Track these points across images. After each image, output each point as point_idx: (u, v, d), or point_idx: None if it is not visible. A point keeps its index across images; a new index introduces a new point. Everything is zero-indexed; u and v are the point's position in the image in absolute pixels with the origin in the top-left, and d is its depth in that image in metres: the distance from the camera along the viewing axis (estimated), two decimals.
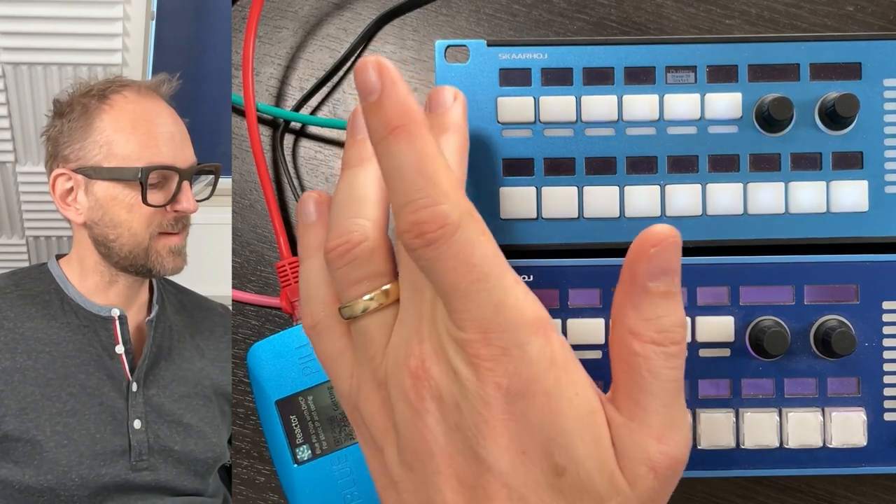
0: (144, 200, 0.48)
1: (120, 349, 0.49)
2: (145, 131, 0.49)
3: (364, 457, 0.32)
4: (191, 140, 0.51)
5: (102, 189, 0.48)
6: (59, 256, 0.53)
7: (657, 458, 0.28)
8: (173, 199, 0.48)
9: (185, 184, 0.49)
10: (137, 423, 0.48)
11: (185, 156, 0.49)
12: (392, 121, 0.28)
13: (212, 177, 0.52)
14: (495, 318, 0.27)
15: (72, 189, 0.49)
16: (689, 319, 0.38)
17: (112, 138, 0.48)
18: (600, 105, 0.39)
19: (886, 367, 0.38)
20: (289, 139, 0.47)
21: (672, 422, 0.28)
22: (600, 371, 0.38)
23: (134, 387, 0.49)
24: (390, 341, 0.30)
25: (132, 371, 0.49)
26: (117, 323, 0.50)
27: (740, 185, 0.39)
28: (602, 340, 0.39)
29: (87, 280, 0.51)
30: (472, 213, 0.28)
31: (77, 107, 0.49)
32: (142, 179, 0.47)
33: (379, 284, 0.31)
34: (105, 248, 0.49)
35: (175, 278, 0.57)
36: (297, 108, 0.47)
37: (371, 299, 0.31)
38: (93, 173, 0.48)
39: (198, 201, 0.50)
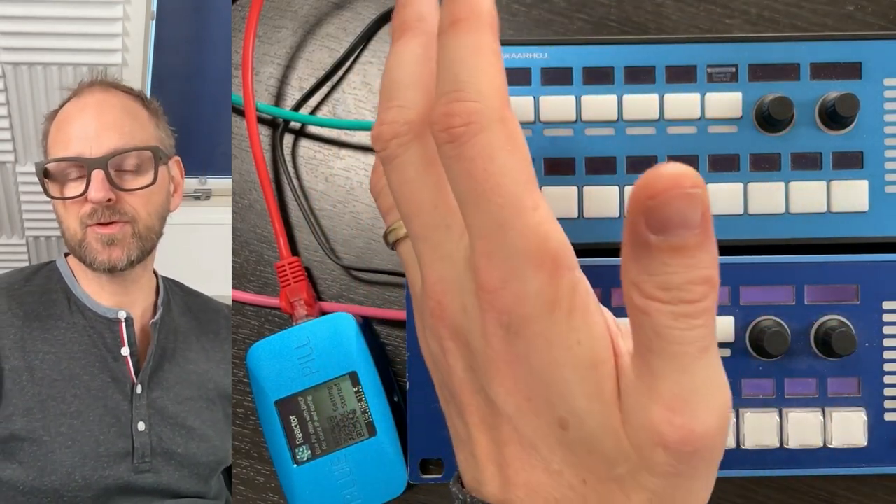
0: (45, 192, 0.48)
1: (125, 351, 0.49)
2: (62, 129, 0.50)
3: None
4: (188, 139, 0.51)
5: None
6: (67, 254, 0.53)
7: (665, 430, 0.24)
8: (86, 189, 0.48)
9: (96, 173, 0.48)
10: (141, 426, 0.48)
11: (100, 146, 0.49)
12: (456, 12, 0.26)
13: (206, 177, 0.52)
14: (500, 239, 0.24)
15: None
16: None
17: (50, 140, 0.50)
18: (600, 105, 0.39)
19: (887, 367, 0.38)
20: (288, 139, 0.47)
21: (691, 391, 0.24)
22: None
23: (138, 389, 0.49)
24: (422, 268, 0.28)
25: (137, 373, 0.49)
26: (123, 325, 0.50)
27: (740, 185, 0.39)
28: None
29: (84, 279, 0.51)
30: (506, 120, 0.25)
31: (54, 114, 0.51)
32: (38, 174, 0.48)
33: None
34: (66, 245, 0.50)
35: (175, 278, 0.57)
36: (297, 107, 0.47)
37: (397, 227, 0.30)
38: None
39: (197, 199, 0.50)
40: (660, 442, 0.24)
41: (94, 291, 0.51)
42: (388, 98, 0.28)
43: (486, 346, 0.26)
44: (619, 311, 0.38)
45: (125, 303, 0.51)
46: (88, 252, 0.49)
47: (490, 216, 0.25)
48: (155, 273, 0.54)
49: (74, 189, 0.48)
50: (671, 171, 0.21)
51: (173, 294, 0.55)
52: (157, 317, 0.52)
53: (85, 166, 0.48)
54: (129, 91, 0.52)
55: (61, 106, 0.51)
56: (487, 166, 0.25)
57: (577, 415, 0.25)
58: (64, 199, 0.48)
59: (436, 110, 0.26)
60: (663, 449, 0.24)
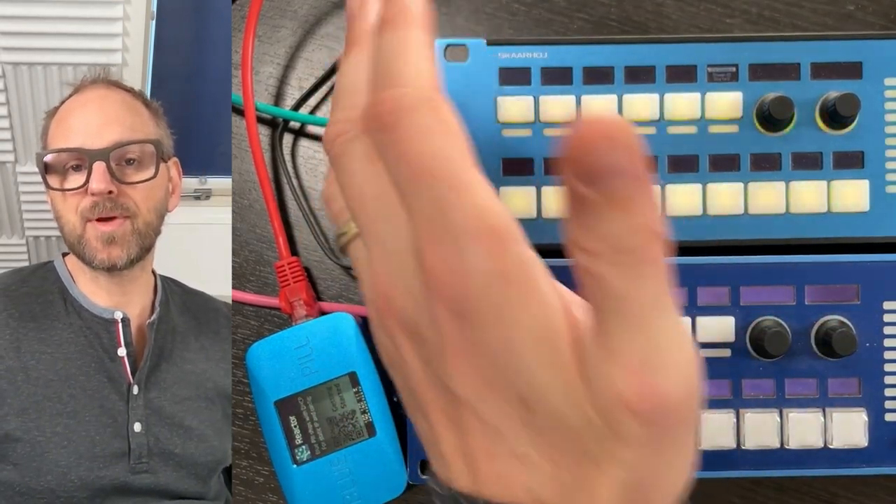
0: (45, 183, 0.48)
1: (122, 352, 0.49)
2: (63, 122, 0.50)
3: None
4: (187, 139, 0.51)
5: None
6: (65, 255, 0.53)
7: (629, 393, 0.22)
8: (87, 181, 0.48)
9: (97, 164, 0.47)
10: (137, 426, 0.48)
11: (101, 138, 0.48)
12: (386, 14, 0.27)
13: (206, 177, 0.52)
14: (441, 219, 0.24)
15: None
16: (689, 320, 0.38)
17: (49, 135, 0.50)
18: (600, 104, 0.39)
19: (887, 367, 0.38)
20: (288, 138, 0.47)
21: (651, 350, 0.22)
22: None
23: (135, 389, 0.49)
24: (371, 264, 0.27)
25: (133, 373, 0.49)
26: (120, 325, 0.49)
27: (740, 185, 0.39)
28: None
29: (80, 278, 0.51)
30: (434, 102, 0.25)
31: (54, 111, 0.51)
32: (38, 165, 0.48)
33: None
34: (65, 242, 0.50)
35: (177, 278, 0.57)
36: (297, 107, 0.47)
37: (346, 231, 0.29)
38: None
39: (197, 199, 0.50)
40: (626, 407, 0.22)
41: (92, 291, 0.51)
42: (335, 105, 0.29)
43: (438, 333, 0.24)
44: None
45: (122, 302, 0.51)
46: (88, 249, 0.49)
47: (428, 197, 0.24)
48: (153, 272, 0.54)
49: (75, 181, 0.48)
50: (594, 117, 0.21)
51: (172, 293, 0.55)
52: (153, 317, 0.51)
53: (86, 158, 0.47)
54: (129, 90, 0.52)
55: (61, 103, 0.51)
56: (420, 147, 0.24)
57: (539, 391, 0.24)
58: (64, 190, 0.48)
59: (368, 104, 0.26)
60: (631, 414, 0.22)
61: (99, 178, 0.47)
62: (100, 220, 0.48)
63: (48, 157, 0.48)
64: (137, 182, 0.49)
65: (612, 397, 0.23)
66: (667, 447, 0.24)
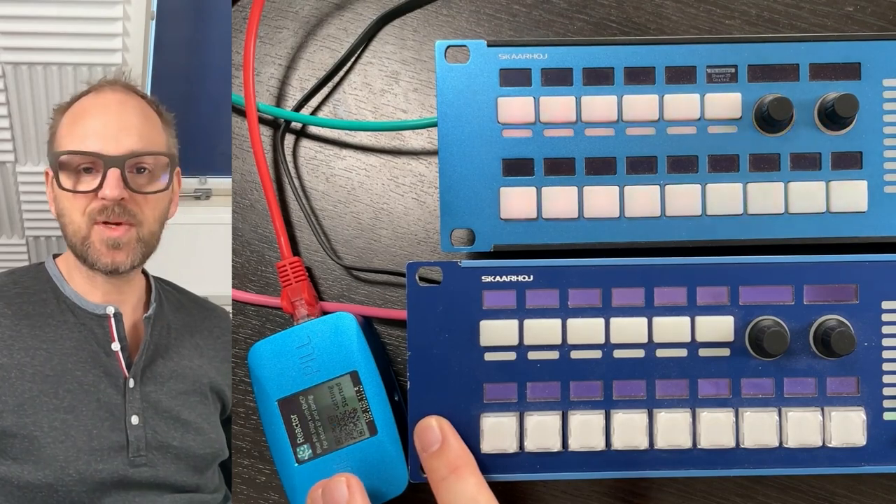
0: (57, 182, 0.48)
1: (116, 346, 0.50)
2: (81, 122, 0.49)
3: None
4: (187, 139, 0.51)
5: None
6: (56, 256, 0.53)
7: None
8: (99, 185, 0.48)
9: (112, 171, 0.48)
10: (135, 419, 0.48)
11: (119, 145, 0.49)
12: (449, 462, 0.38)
13: (206, 177, 0.52)
14: None
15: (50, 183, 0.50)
16: (688, 319, 0.39)
17: (62, 131, 0.50)
18: (600, 105, 0.39)
19: (886, 366, 0.39)
20: (289, 139, 0.47)
21: None
22: (600, 371, 0.38)
23: (131, 383, 0.49)
24: None
25: (128, 367, 0.49)
26: (112, 320, 0.50)
27: (740, 185, 0.39)
28: (602, 340, 0.39)
29: (75, 278, 0.51)
30: None
31: (66, 106, 0.51)
32: (52, 163, 0.48)
33: None
34: (66, 240, 0.50)
35: (175, 277, 0.57)
36: (298, 108, 0.47)
37: None
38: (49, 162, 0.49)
39: (197, 199, 0.50)
40: None
41: (86, 290, 0.51)
42: None
43: None
44: (620, 311, 0.39)
45: (117, 300, 0.51)
46: (91, 252, 0.49)
47: None
48: (144, 272, 0.55)
49: (87, 184, 0.48)
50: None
51: (165, 292, 0.55)
52: (150, 311, 0.52)
53: (101, 163, 0.48)
54: (144, 96, 0.52)
55: (75, 99, 0.51)
56: None
57: None
58: (76, 192, 0.48)
59: None
60: None
61: (113, 184, 0.48)
62: (106, 224, 0.48)
63: (63, 157, 0.48)
64: (150, 192, 0.49)
65: None
66: None
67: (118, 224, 0.49)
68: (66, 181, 0.48)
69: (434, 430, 0.38)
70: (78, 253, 0.50)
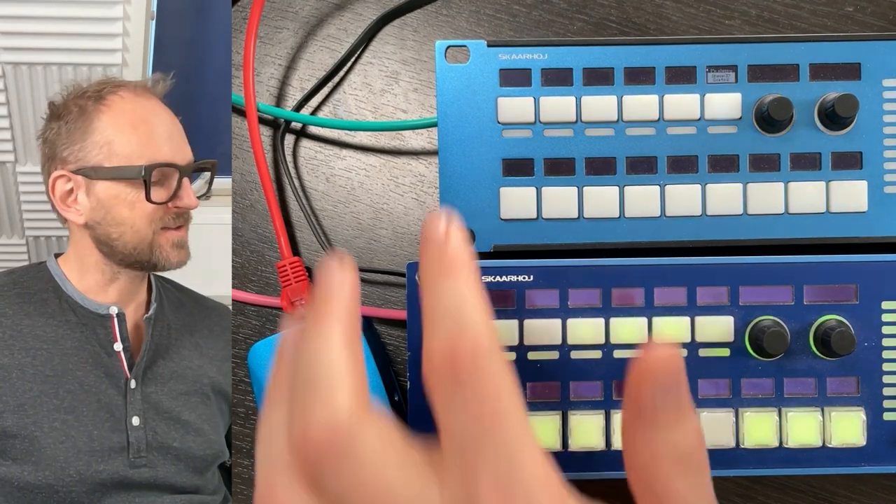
0: (148, 198, 0.48)
1: (118, 346, 0.50)
2: (145, 130, 0.49)
3: None
4: (188, 139, 0.52)
5: (104, 188, 0.49)
6: (57, 255, 0.53)
7: None
8: (174, 195, 0.49)
9: (185, 180, 0.49)
10: (136, 420, 0.48)
11: (183, 153, 0.50)
12: (441, 263, 0.28)
13: (208, 174, 0.52)
14: (515, 475, 0.24)
15: (72, 190, 0.49)
16: (688, 319, 0.39)
17: (112, 138, 0.49)
18: (600, 105, 0.39)
19: (885, 366, 0.39)
20: (289, 139, 0.47)
21: None
22: (600, 371, 0.38)
23: (132, 384, 0.49)
24: None
25: (130, 368, 0.49)
26: (115, 320, 0.50)
27: (740, 185, 0.39)
28: (602, 340, 0.39)
29: (86, 278, 0.51)
30: (498, 347, 0.26)
31: (74, 109, 0.50)
32: (145, 177, 0.48)
33: None
34: (108, 246, 0.49)
35: (175, 277, 0.57)
36: (298, 108, 0.47)
37: None
38: (93, 173, 0.48)
39: (197, 198, 0.50)
40: None
41: (99, 290, 0.51)
42: (311, 393, 0.26)
43: None
44: (620, 311, 0.39)
45: (123, 300, 0.51)
46: (160, 253, 0.50)
47: (500, 453, 0.24)
48: None
49: (161, 194, 0.49)
50: (660, 350, 0.26)
51: (166, 291, 0.55)
52: (151, 312, 0.52)
53: (177, 172, 0.49)
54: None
55: (97, 94, 0.50)
56: (496, 404, 0.25)
57: None
58: (161, 203, 0.49)
59: (435, 349, 0.26)
60: None
61: (191, 194, 0.50)
62: (168, 228, 0.50)
63: (155, 171, 0.49)
64: (203, 196, 0.52)
65: None
66: None
67: (181, 227, 0.51)
68: (155, 194, 0.49)
69: (441, 223, 0.28)
70: (141, 257, 0.50)
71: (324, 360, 0.26)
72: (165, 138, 0.49)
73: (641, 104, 0.39)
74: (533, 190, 0.40)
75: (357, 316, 0.28)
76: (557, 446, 0.38)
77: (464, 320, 0.26)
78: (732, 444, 0.38)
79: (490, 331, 0.26)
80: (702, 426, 0.28)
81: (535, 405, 0.39)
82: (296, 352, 0.27)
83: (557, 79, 0.40)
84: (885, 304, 0.39)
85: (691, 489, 0.26)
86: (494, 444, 0.24)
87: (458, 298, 0.27)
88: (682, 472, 0.26)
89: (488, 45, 0.40)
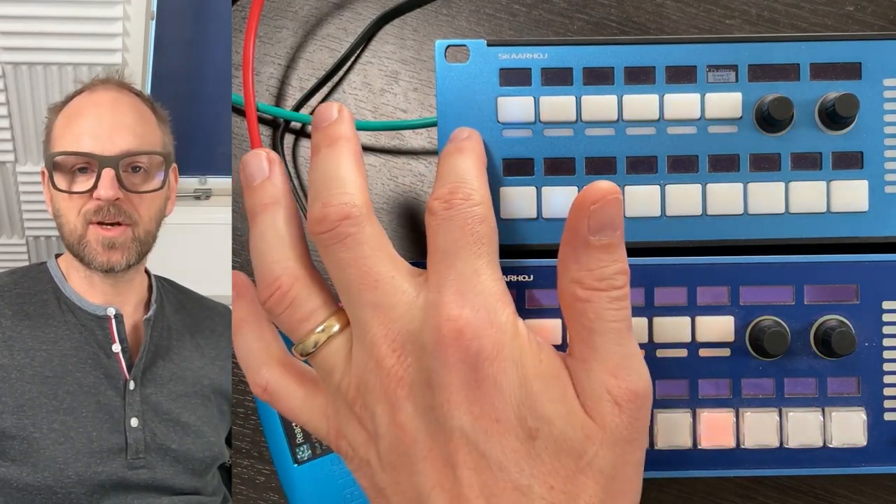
0: (52, 183, 0.48)
1: (116, 348, 0.50)
2: (73, 122, 0.50)
3: (358, 483, 0.32)
4: (188, 139, 0.51)
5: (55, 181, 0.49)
6: (58, 255, 0.53)
7: (616, 391, 0.29)
8: (93, 186, 0.48)
9: (107, 171, 0.48)
10: (134, 422, 0.48)
11: (113, 144, 0.49)
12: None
13: (206, 177, 0.52)
14: (475, 281, 0.30)
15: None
16: (689, 319, 0.39)
17: (56, 132, 0.50)
18: (600, 105, 0.39)
19: (886, 366, 0.38)
20: (289, 139, 0.47)
21: (625, 359, 0.30)
22: None
23: (131, 385, 0.49)
24: (352, 358, 0.31)
25: (129, 369, 0.49)
26: (113, 322, 0.50)
27: (740, 185, 0.39)
28: None
29: (74, 278, 0.51)
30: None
31: (60, 105, 0.51)
32: (47, 164, 0.48)
33: (323, 316, 0.32)
34: (63, 240, 0.50)
35: (175, 278, 0.57)
36: (298, 107, 0.47)
37: (322, 331, 0.32)
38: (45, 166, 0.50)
39: (197, 199, 0.50)
40: (611, 398, 0.29)
41: (85, 290, 0.51)
42: (325, 192, 0.32)
43: (450, 381, 0.29)
44: None
45: (117, 301, 0.51)
46: (88, 251, 0.49)
47: (468, 263, 0.30)
48: (147, 272, 0.55)
49: (82, 184, 0.48)
50: (603, 184, 0.30)
51: (166, 292, 0.55)
52: (150, 313, 0.52)
53: (96, 163, 0.48)
54: (139, 94, 0.52)
55: (69, 99, 0.51)
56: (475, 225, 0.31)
57: (548, 420, 0.29)
58: (70, 192, 0.48)
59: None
60: (614, 404, 0.29)
61: (108, 185, 0.48)
62: (101, 224, 0.49)
63: (58, 158, 0.48)
64: (145, 192, 0.49)
65: (602, 396, 0.30)
66: (635, 445, 0.30)
67: (114, 224, 0.49)
68: (60, 182, 0.48)
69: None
70: (75, 252, 0.50)
71: (342, 167, 0.32)
72: (91, 128, 0.49)
73: (641, 104, 0.39)
74: (533, 189, 0.40)
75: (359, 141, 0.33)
76: None
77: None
78: (733, 444, 0.38)
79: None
80: (627, 269, 0.31)
81: None
82: (313, 163, 0.33)
83: (557, 78, 0.40)
84: (886, 304, 0.38)
85: (607, 310, 0.30)
86: (464, 260, 0.30)
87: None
88: (600, 296, 0.30)
89: (488, 45, 0.40)
